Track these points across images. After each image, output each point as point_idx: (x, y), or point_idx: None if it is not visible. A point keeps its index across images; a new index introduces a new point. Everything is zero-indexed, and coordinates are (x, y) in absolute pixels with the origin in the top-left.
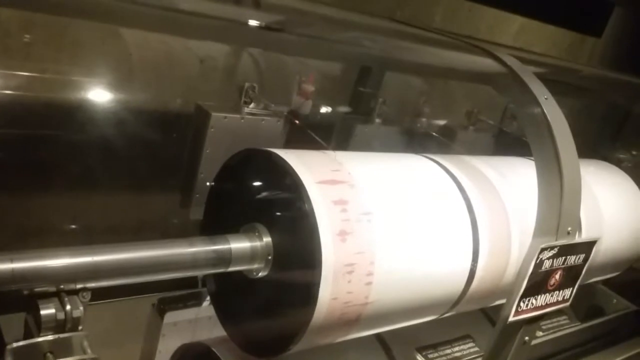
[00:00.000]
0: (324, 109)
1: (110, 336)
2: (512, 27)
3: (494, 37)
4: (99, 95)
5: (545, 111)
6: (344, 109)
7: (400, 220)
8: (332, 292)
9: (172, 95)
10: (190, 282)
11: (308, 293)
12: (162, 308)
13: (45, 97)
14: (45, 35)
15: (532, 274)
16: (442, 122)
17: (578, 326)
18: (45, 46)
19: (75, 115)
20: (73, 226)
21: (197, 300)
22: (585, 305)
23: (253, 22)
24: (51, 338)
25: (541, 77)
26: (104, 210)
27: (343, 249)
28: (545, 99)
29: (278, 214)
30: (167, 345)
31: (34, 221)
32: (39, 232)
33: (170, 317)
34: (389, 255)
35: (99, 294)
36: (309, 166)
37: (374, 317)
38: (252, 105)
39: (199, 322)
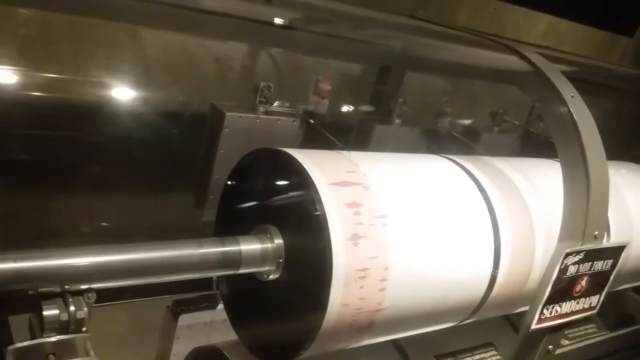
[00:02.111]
0: (342, 109)
1: (126, 338)
2: (540, 26)
3: (520, 36)
4: (116, 96)
5: (571, 110)
6: (363, 108)
7: (417, 224)
8: (343, 297)
9: (188, 96)
10: (206, 284)
11: (318, 298)
12: (176, 310)
13: (63, 98)
14: (63, 36)
15: (556, 279)
16: (465, 123)
17: (607, 335)
18: (63, 47)
19: (92, 115)
20: (90, 228)
21: (211, 303)
22: (614, 313)
23: (269, 20)
24: (54, 339)
25: (569, 76)
26: (120, 212)
27: (355, 253)
28: (572, 97)
29: (289, 215)
30: (182, 348)
31: (51, 222)
32: (56, 234)
33: (185, 319)
34: (404, 261)
35: (113, 295)
36: (322, 167)
37: (388, 323)
38: (268, 104)
39: (214, 325)
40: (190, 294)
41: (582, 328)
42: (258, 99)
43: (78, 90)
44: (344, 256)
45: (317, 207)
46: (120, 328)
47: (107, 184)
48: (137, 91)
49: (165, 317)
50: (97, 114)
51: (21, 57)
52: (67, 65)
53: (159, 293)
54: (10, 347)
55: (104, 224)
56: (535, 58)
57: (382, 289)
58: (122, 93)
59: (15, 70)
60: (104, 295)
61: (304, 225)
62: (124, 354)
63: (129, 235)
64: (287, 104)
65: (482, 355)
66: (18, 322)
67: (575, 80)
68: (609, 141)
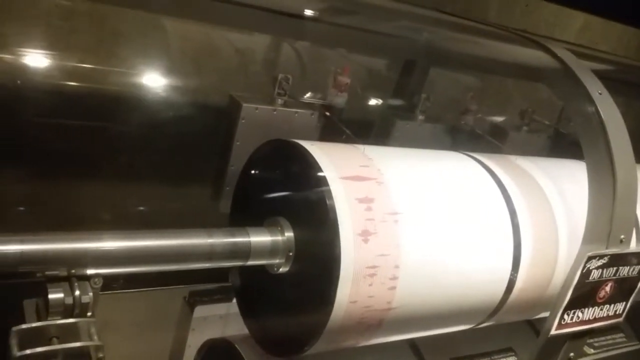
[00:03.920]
0: (364, 103)
1: (143, 326)
2: (575, 24)
3: (554, 35)
4: (137, 85)
5: (598, 107)
6: (385, 103)
7: (432, 222)
8: (351, 294)
9: (209, 86)
10: (223, 276)
11: (325, 294)
12: (192, 302)
13: (84, 86)
14: (85, 25)
15: (577, 284)
16: (492, 121)
17: (636, 345)
18: (85, 36)
19: (113, 105)
20: (111, 215)
21: (227, 295)
22: None
23: (292, 11)
24: (57, 322)
25: (603, 76)
26: (142, 200)
27: (365, 249)
28: (600, 94)
29: (301, 208)
30: (197, 339)
31: (74, 209)
32: (80, 220)
33: (200, 311)
34: (416, 260)
35: (132, 283)
36: (334, 160)
37: (398, 323)
38: (286, 96)
39: (230, 317)
40: (206, 285)
41: (609, 337)
42: (276, 90)
43: (100, 79)
44: (353, 252)
45: (327, 200)
46: (138, 316)
47: (129, 173)
48: (159, 81)
49: (182, 308)
50: (118, 104)
51: (45, 44)
52: (89, 54)
53: (177, 283)
54: (14, 328)
55: (126, 212)
56: (562, 53)
57: (392, 288)
58: (145, 83)
59: (40, 57)
60: (122, 283)
61: (314, 219)
62: (141, 342)
63: (149, 225)
64: (319, 95)
65: None
66: (31, 306)
67: (609, 79)
68: None
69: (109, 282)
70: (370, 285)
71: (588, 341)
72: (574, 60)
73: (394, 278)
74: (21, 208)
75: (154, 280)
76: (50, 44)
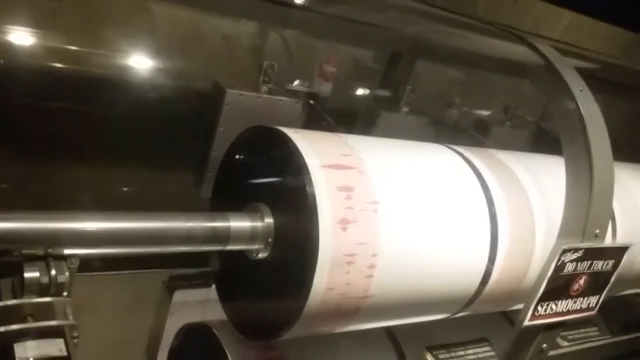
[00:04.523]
0: (349, 94)
1: (122, 309)
2: (561, 22)
3: (540, 32)
4: (122, 68)
5: (579, 104)
6: (370, 94)
7: (410, 212)
8: (328, 281)
9: (194, 71)
10: (204, 261)
11: (302, 280)
12: (171, 286)
13: (69, 69)
14: (71, 7)
15: (552, 276)
16: (475, 115)
17: (608, 339)
18: (71, 18)
19: (97, 87)
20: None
21: (206, 281)
22: (621, 319)
23: None
24: (32, 301)
25: (587, 74)
26: (122, 184)
27: (343, 237)
28: (581, 90)
29: (281, 195)
30: (175, 324)
31: (56, 191)
32: (61, 202)
33: (179, 295)
34: (394, 249)
35: (112, 265)
36: (316, 148)
37: (375, 311)
38: (271, 84)
39: (209, 303)
40: (186, 270)
41: (582, 330)
42: (261, 78)
43: (84, 61)
44: (331, 240)
45: (308, 188)
46: (116, 299)
47: (113, 156)
48: (145, 64)
49: (161, 292)
50: (102, 86)
51: (29, 24)
52: (74, 36)
53: (157, 266)
54: None
55: (107, 195)
56: (546, 50)
57: (369, 276)
58: (129, 66)
59: (24, 36)
60: (102, 265)
61: (294, 206)
62: (119, 325)
63: (131, 208)
64: (306, 83)
65: (476, 350)
66: (8, 285)
67: (593, 78)
68: (630, 143)
69: (88, 263)
70: (348, 272)
71: (562, 334)
72: (558, 57)
73: (372, 266)
74: (3, 187)
75: (134, 263)
76: (36, 24)
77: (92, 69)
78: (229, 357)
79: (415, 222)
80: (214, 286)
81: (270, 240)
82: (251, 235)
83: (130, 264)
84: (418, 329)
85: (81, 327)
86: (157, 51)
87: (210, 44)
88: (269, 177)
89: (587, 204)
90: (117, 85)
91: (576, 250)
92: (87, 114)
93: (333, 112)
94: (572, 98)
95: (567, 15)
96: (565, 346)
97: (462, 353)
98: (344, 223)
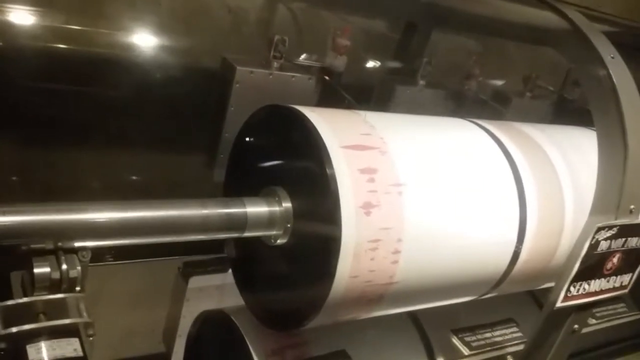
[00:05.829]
0: (363, 67)
1: (138, 297)
2: None
3: None
4: (126, 47)
5: (610, 72)
6: (385, 67)
7: (436, 194)
8: (352, 269)
9: (201, 49)
10: (218, 246)
11: (325, 269)
12: (186, 272)
13: (68, 49)
14: None
15: (585, 255)
16: (495, 86)
17: (637, 315)
18: None
19: (101, 68)
20: (101, 184)
21: (222, 266)
22: None
23: None
24: (44, 298)
25: (614, 41)
26: (133, 168)
27: (367, 223)
28: (612, 57)
29: (299, 178)
30: (192, 310)
31: (62, 177)
32: (67, 189)
33: (195, 282)
34: (420, 232)
35: (126, 254)
36: (335, 127)
37: (400, 297)
38: (283, 60)
39: (225, 288)
40: (201, 256)
41: (610, 307)
42: (272, 53)
43: (84, 41)
44: (354, 226)
45: (328, 171)
46: (131, 288)
47: (118, 140)
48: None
49: (176, 279)
50: (106, 66)
51: (26, 2)
52: (73, 15)
53: (171, 254)
54: None
55: (115, 180)
56: (573, 15)
57: (395, 262)
58: (133, 44)
59: (25, 16)
60: (116, 254)
61: (314, 190)
62: (135, 313)
63: (140, 193)
64: (299, 59)
65: (503, 332)
66: (19, 279)
67: (618, 45)
68: None
69: (102, 254)
70: (372, 259)
71: None
72: (586, 23)
73: (397, 252)
74: (6, 176)
75: (148, 252)
76: (33, 2)
77: (92, 49)
78: (248, 344)
79: (441, 205)
80: (230, 270)
81: (289, 225)
82: (269, 221)
83: (144, 253)
84: (442, 311)
85: (97, 317)
86: (160, 27)
87: (217, 17)
88: (286, 159)
89: (621, 178)
90: (119, 65)
91: (610, 227)
92: (89, 96)
93: (347, 87)
94: (604, 65)
95: None
96: (593, 324)
97: (489, 335)
98: (367, 207)
